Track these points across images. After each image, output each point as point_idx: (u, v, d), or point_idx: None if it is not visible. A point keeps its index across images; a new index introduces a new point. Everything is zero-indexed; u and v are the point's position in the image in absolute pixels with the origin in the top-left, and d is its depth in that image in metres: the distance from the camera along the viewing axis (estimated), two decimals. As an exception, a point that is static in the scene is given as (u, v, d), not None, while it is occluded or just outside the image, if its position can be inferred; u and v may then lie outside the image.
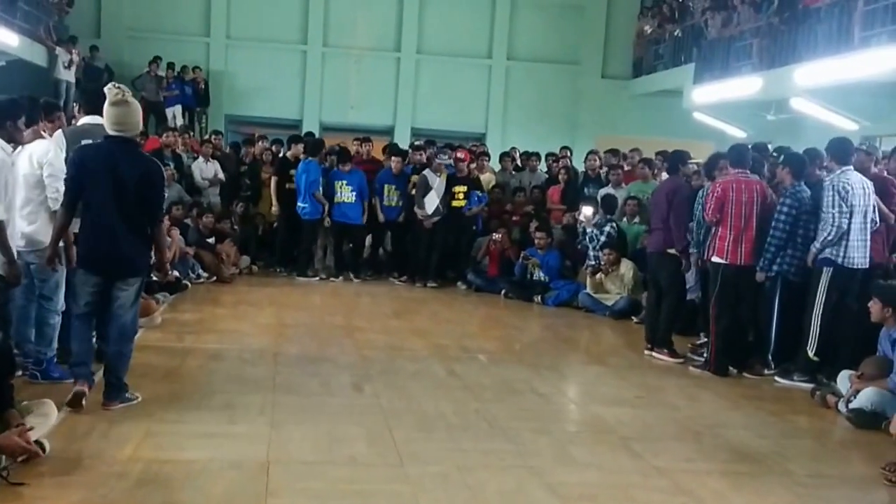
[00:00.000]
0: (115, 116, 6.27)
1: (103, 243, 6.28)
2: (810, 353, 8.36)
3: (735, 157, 8.93)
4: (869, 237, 8.29)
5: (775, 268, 8.62)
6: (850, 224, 8.14)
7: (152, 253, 6.65)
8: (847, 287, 8.26)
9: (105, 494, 4.80)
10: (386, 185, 13.76)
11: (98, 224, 6.27)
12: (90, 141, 6.78)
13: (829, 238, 8.18)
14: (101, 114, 6.63)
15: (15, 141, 6.33)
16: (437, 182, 13.48)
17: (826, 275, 8.26)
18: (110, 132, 6.31)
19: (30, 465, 5.04)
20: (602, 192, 12.94)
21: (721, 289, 8.71)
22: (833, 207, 8.13)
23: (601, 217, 12.23)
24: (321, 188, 13.42)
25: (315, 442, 5.93)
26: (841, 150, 8.44)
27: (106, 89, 6.35)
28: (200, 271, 12.61)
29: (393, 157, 14.04)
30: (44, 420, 5.48)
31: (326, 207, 13.47)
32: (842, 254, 8.19)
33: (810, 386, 8.13)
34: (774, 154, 10.14)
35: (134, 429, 5.89)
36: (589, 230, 12.34)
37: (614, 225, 12.20)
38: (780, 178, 8.96)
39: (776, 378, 8.63)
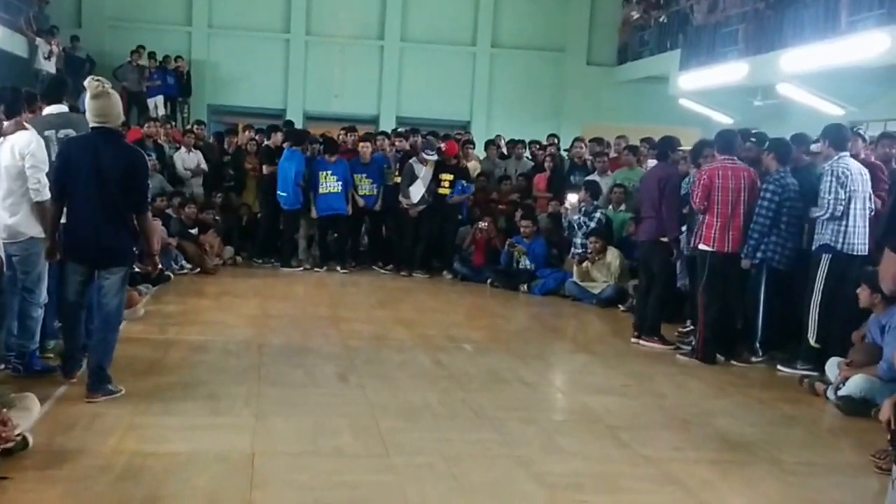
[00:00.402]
0: (97, 109, 6.32)
1: (87, 234, 6.33)
2: (811, 341, 8.33)
3: (722, 144, 8.88)
4: (868, 223, 8.23)
5: (759, 255, 8.59)
6: (850, 210, 8.08)
7: (137, 243, 6.63)
8: (846, 273, 8.18)
9: (89, 487, 4.76)
10: (356, 175, 13.65)
11: (82, 215, 6.33)
12: (53, 131, 6.89)
13: (824, 218, 8.14)
14: (62, 102, 6.85)
15: None
16: (424, 171, 13.41)
17: (825, 261, 8.20)
18: (92, 124, 6.37)
19: (13, 458, 4.99)
20: (587, 179, 12.90)
21: (709, 277, 8.68)
22: (829, 194, 8.08)
23: (588, 204, 12.20)
24: (303, 178, 13.36)
25: (300, 433, 5.89)
26: (838, 136, 8.38)
27: (86, 83, 6.39)
28: (183, 262, 12.53)
29: (360, 144, 13.94)
30: (26, 414, 5.42)
31: (311, 197, 13.40)
32: (841, 240, 8.12)
33: (815, 374, 8.03)
34: (752, 139, 10.06)
35: (117, 421, 5.85)
36: (576, 217, 12.31)
37: (603, 212, 12.17)
38: (766, 164, 8.91)
39: (779, 367, 8.59)
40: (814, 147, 9.06)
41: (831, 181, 8.10)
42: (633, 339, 9.51)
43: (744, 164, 8.81)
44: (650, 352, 9.17)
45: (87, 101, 6.34)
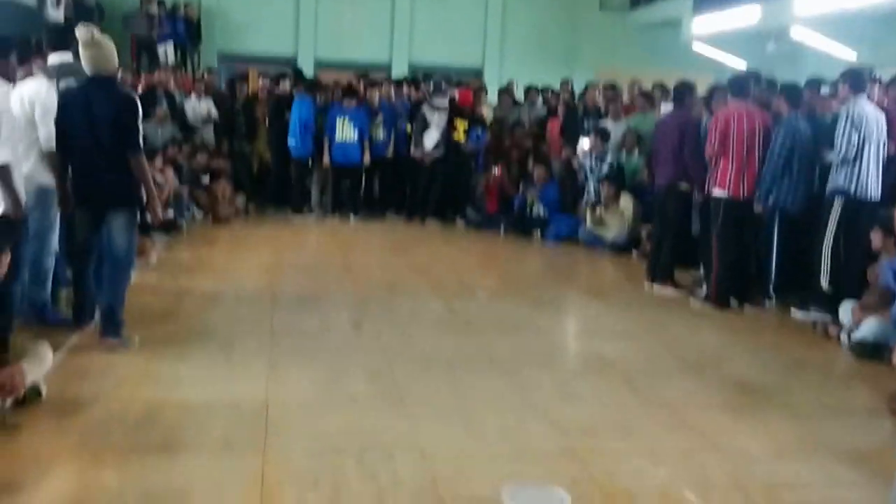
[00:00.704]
0: (88, 59, 6.37)
1: (88, 178, 6.41)
2: (824, 285, 8.30)
3: (735, 88, 8.80)
4: (881, 168, 8.15)
5: (771, 199, 8.53)
6: (863, 154, 8.00)
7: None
8: (858, 217, 8.13)
9: (104, 436, 4.77)
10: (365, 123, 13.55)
11: (82, 162, 6.41)
12: (55, 80, 6.90)
13: (837, 161, 8.07)
14: (67, 51, 6.90)
15: (10, 80, 6.25)
16: (436, 117, 13.36)
17: (838, 205, 8.13)
18: (88, 73, 6.43)
19: (27, 407, 5.01)
20: (601, 125, 12.83)
21: (724, 222, 8.63)
22: (843, 137, 7.98)
23: (599, 149, 12.13)
24: (314, 125, 13.34)
25: (314, 381, 5.91)
26: (857, 79, 8.26)
27: (77, 32, 6.35)
28: (195, 211, 12.54)
29: (368, 90, 13.79)
30: (39, 363, 5.42)
31: (326, 144, 13.37)
32: (854, 184, 8.04)
33: (828, 318, 8.00)
34: (764, 84, 9.94)
35: (131, 370, 5.88)
36: (587, 162, 12.26)
37: (615, 156, 12.12)
38: (777, 108, 8.83)
39: (793, 311, 8.58)
40: (823, 90, 8.92)
41: (846, 124, 8.00)
42: (647, 284, 9.50)
43: (758, 109, 8.73)
44: (663, 297, 9.16)
45: (80, 51, 6.36)
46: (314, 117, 13.33)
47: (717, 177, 8.65)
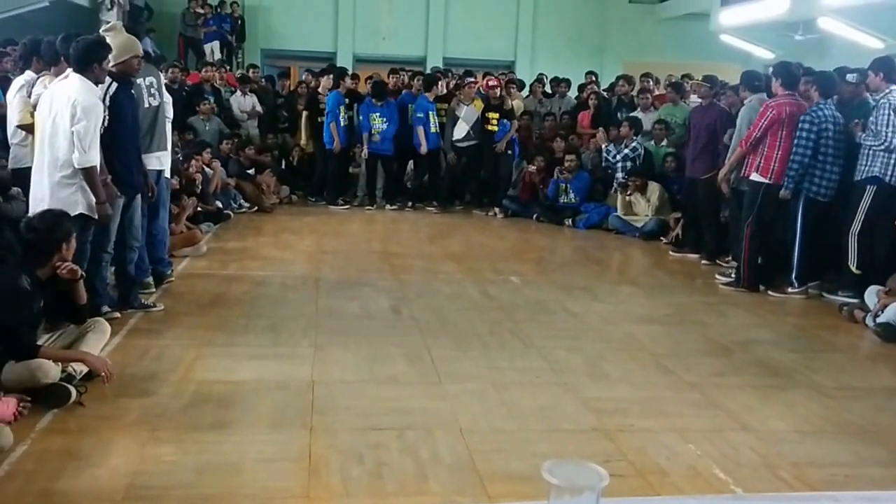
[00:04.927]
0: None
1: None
2: (853, 268, 8.39)
3: (787, 78, 8.83)
4: None
5: (794, 185, 8.61)
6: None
7: None
8: (888, 204, 8.16)
9: (161, 413, 4.98)
10: (430, 113, 13.75)
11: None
12: (142, 79, 7.28)
13: (879, 149, 8.09)
14: None
15: (101, 82, 6.41)
16: (465, 110, 13.65)
17: (870, 192, 8.19)
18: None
19: (93, 380, 5.27)
20: (629, 115, 13.05)
21: (760, 207, 8.76)
22: (887, 126, 8.01)
23: (629, 138, 12.43)
24: (342, 119, 13.64)
25: (356, 362, 6.07)
26: (891, 68, 8.28)
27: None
28: (242, 202, 12.92)
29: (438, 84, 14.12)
30: (102, 334, 5.72)
31: (336, 141, 13.65)
32: (890, 172, 8.09)
33: (855, 301, 8.07)
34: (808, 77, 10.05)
35: (184, 352, 6.10)
36: (605, 147, 12.67)
37: (636, 147, 12.38)
38: (809, 96, 8.90)
39: (823, 294, 8.71)
40: (849, 77, 8.99)
41: (889, 114, 8.02)
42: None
43: (802, 100, 8.81)
44: (692, 283, 9.38)
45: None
46: (338, 111, 13.62)
47: (759, 162, 8.75)
